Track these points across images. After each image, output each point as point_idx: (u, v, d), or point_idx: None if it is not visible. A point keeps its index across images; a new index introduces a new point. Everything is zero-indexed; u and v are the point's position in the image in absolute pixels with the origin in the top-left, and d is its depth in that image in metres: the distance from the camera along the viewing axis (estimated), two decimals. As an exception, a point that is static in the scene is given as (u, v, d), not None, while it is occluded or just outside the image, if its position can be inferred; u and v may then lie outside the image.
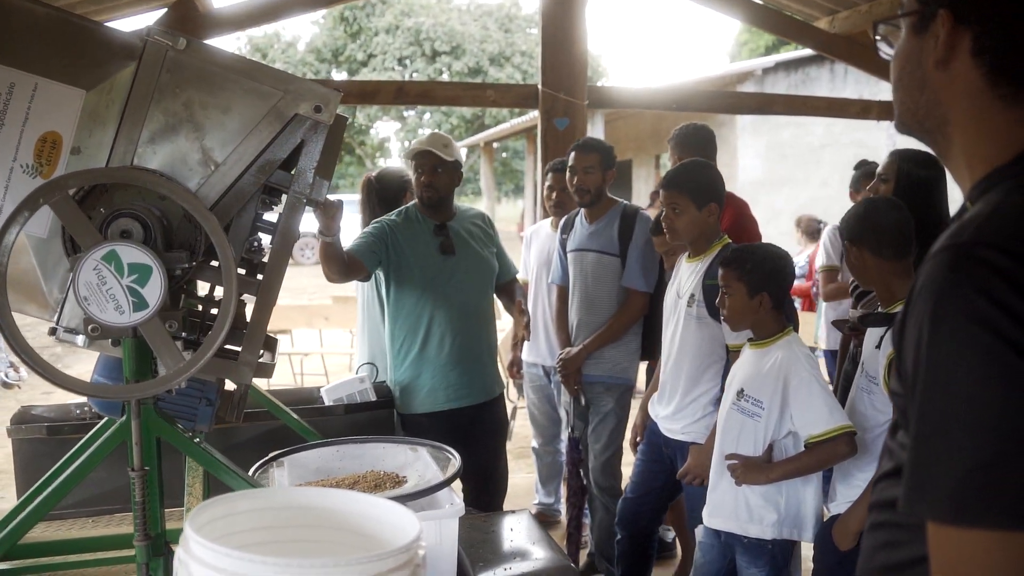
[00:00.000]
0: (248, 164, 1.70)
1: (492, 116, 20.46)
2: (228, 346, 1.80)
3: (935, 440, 0.75)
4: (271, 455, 2.04)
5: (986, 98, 0.87)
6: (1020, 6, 0.84)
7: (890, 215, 2.20)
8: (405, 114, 25.78)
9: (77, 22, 1.73)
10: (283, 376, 7.45)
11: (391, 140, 27.63)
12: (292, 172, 1.78)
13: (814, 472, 2.22)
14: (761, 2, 5.35)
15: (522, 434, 5.03)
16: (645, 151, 14.30)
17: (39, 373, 1.47)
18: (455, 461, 2.09)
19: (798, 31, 4.95)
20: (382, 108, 23.45)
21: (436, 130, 26.39)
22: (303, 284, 14.36)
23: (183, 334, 1.77)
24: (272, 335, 2.03)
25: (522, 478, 4.66)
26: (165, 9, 4.21)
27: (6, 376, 4.09)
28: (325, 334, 8.22)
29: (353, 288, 3.87)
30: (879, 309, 2.28)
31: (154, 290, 1.51)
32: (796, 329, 2.41)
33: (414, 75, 23.45)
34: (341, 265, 2.88)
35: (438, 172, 3.00)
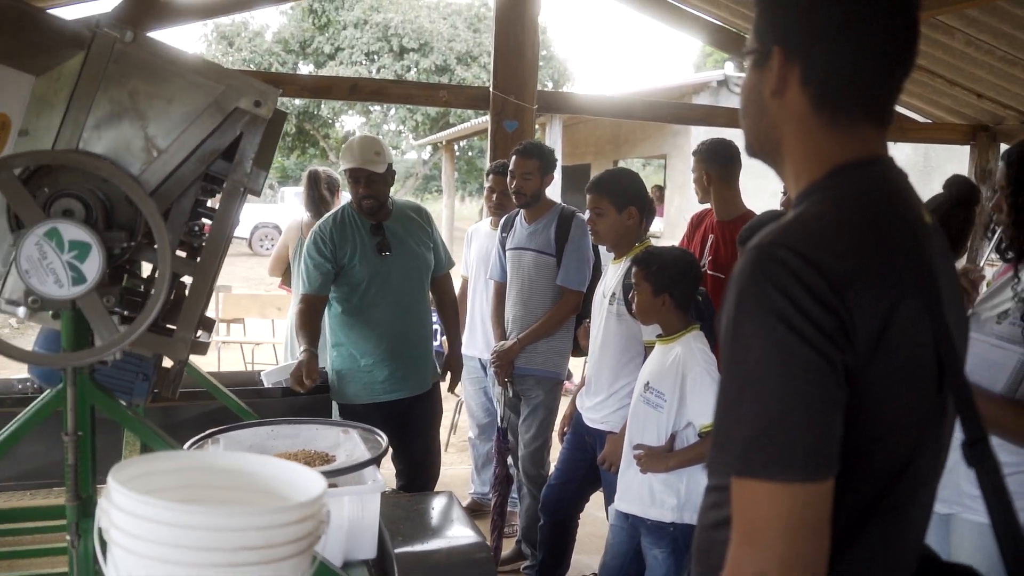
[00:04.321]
0: (189, 152, 1.81)
1: (457, 114, 20.56)
2: (163, 325, 1.91)
3: (731, 409, 0.91)
4: (206, 432, 2.14)
5: (811, 122, 1.02)
6: (837, 44, 0.99)
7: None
8: (371, 108, 25.72)
9: (28, 11, 1.82)
10: (235, 364, 7.48)
11: (355, 134, 27.54)
12: (232, 161, 1.89)
13: None
14: (720, 24, 5.55)
15: (465, 428, 5.16)
16: (604, 155, 14.52)
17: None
18: (383, 442, 2.22)
19: (727, 44, 5.15)
20: (347, 103, 23.39)
21: (398, 127, 26.32)
22: (260, 274, 14.28)
23: (124, 311, 1.87)
24: (209, 316, 2.14)
25: (462, 469, 4.79)
26: (124, -4, 4.25)
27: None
28: (278, 324, 8.26)
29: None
30: None
31: (92, 266, 1.61)
32: (709, 324, 2.56)
33: (381, 70, 23.41)
34: (319, 319, 3.19)
35: (373, 183, 3.09)
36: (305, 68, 24.92)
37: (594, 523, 3.58)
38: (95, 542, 1.19)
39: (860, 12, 0.97)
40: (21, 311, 1.75)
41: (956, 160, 6.77)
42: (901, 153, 12.09)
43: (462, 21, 24.83)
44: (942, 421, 0.98)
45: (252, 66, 23.75)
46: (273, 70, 23.57)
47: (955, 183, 2.62)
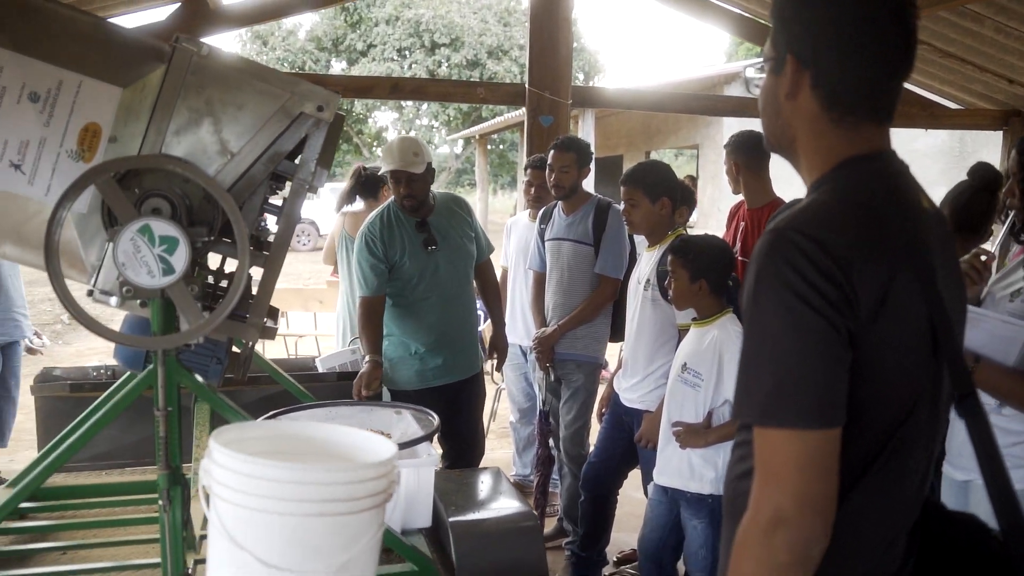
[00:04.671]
0: (259, 154, 1.99)
1: (489, 109, 20.71)
2: (237, 312, 2.10)
3: (751, 368, 1.06)
4: (271, 413, 2.33)
5: (821, 121, 1.17)
6: (842, 53, 1.13)
7: None
8: (403, 104, 25.98)
9: (117, 29, 2.02)
10: (278, 356, 7.74)
11: (388, 130, 27.85)
12: (296, 162, 2.07)
13: None
14: (747, 15, 5.63)
15: (504, 415, 5.34)
16: (636, 146, 14.59)
17: (86, 326, 1.77)
18: (435, 421, 2.40)
19: (762, 38, 5.22)
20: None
21: (430, 122, 26.47)
22: (299, 269, 14.60)
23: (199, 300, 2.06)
24: (274, 306, 2.33)
25: (502, 453, 4.97)
26: (178, 4, 4.47)
27: (30, 342, 4.37)
28: (319, 317, 8.50)
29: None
30: None
31: (180, 258, 1.80)
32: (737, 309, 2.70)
33: (413, 66, 23.64)
34: (381, 320, 3.33)
35: (413, 183, 3.24)
36: (338, 65, 25.23)
37: (632, 503, 3.73)
38: (201, 495, 1.37)
39: (862, 26, 1.11)
40: (113, 300, 1.94)
41: (992, 145, 6.77)
42: (937, 140, 11.98)
43: (492, 15, 24.97)
44: (938, 381, 1.11)
45: (286, 64, 24.12)
46: (306, 68, 23.92)
47: (978, 170, 2.73)
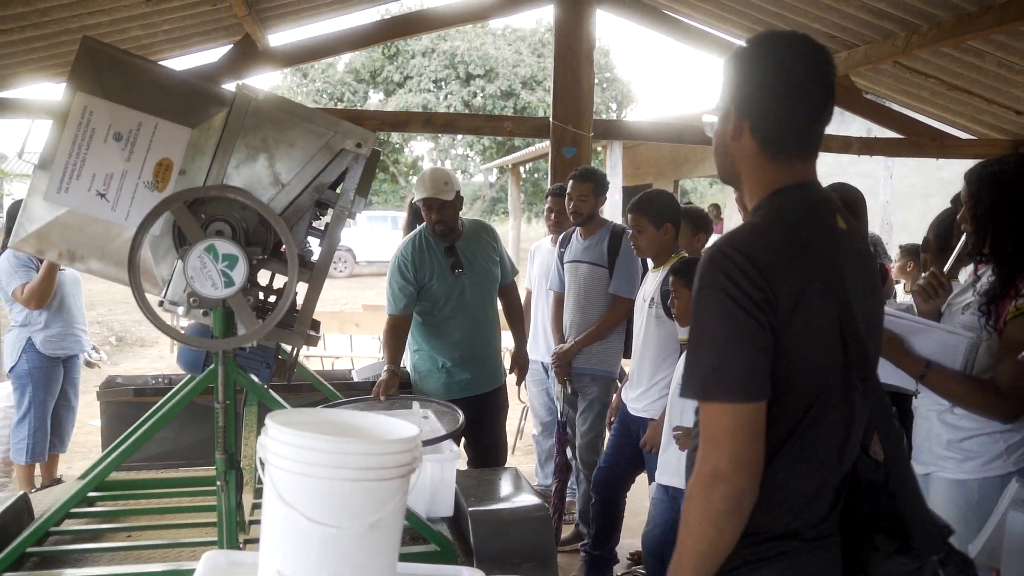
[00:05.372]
0: (306, 185, 2.31)
1: (522, 138, 21.15)
2: (284, 322, 2.41)
3: (693, 355, 1.33)
4: (315, 407, 2.64)
5: (759, 159, 1.45)
6: (773, 106, 1.41)
7: None
8: (439, 135, 26.59)
9: (187, 79, 2.37)
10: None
11: (424, 159, 28.45)
12: (338, 191, 2.39)
13: None
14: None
15: (530, 432, 5.60)
16: (665, 175, 14.86)
17: (162, 329, 2.10)
18: (459, 417, 2.70)
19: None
20: (416, 128, 24.29)
21: (465, 151, 26.92)
22: (335, 295, 15.02)
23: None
24: (316, 319, 2.65)
25: (527, 467, 5.23)
26: (230, 46, 4.88)
27: (89, 356, 4.75)
28: (355, 339, 8.84)
29: (382, 296, 4.55)
30: None
31: (240, 273, 2.12)
32: None
33: (448, 96, 24.20)
34: (405, 338, 3.63)
35: (444, 210, 3.54)
36: (375, 96, 25.88)
37: (641, 512, 3.96)
38: (258, 463, 1.67)
39: (788, 85, 1.39)
40: (181, 309, 2.27)
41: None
42: (952, 171, 12.11)
43: (526, 47, 25.50)
44: (847, 368, 1.37)
45: (325, 96, 24.83)
46: (345, 99, 24.60)
47: (959, 199, 2.98)
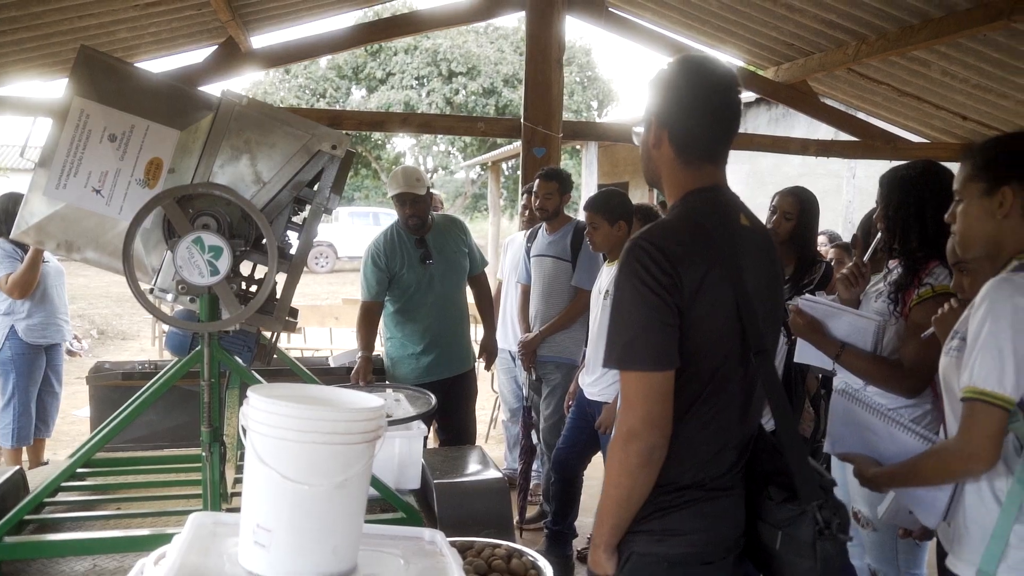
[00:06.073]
0: (285, 183, 2.52)
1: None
2: (265, 309, 2.62)
3: (613, 330, 1.57)
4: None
5: (675, 164, 1.69)
6: (687, 118, 1.65)
7: None
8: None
9: (176, 85, 2.57)
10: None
11: (406, 155, 28.59)
12: (315, 189, 2.60)
13: None
14: (716, 54, 6.18)
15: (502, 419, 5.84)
16: (641, 173, 15.11)
17: (153, 314, 2.31)
18: (431, 400, 2.92)
19: (748, 80, 5.79)
20: (398, 124, 24.41)
21: (447, 148, 27.00)
22: (316, 291, 15.15)
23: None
24: (294, 307, 2.86)
25: (497, 453, 5.46)
26: (215, 48, 5.07)
27: (71, 345, 4.94)
28: (335, 332, 9.04)
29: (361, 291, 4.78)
30: None
31: (224, 263, 2.33)
32: None
33: (431, 94, 24.35)
34: (377, 322, 3.89)
35: (417, 204, 3.81)
36: (358, 93, 25.97)
37: (599, 490, 4.20)
38: (240, 430, 1.89)
39: (698, 100, 1.64)
40: (169, 296, 2.48)
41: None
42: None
43: (508, 45, 25.69)
44: (744, 342, 1.61)
45: (307, 92, 24.91)
46: (327, 95, 24.70)
47: None
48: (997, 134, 1.81)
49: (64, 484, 2.73)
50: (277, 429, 1.86)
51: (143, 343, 10.38)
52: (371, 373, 3.63)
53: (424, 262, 3.82)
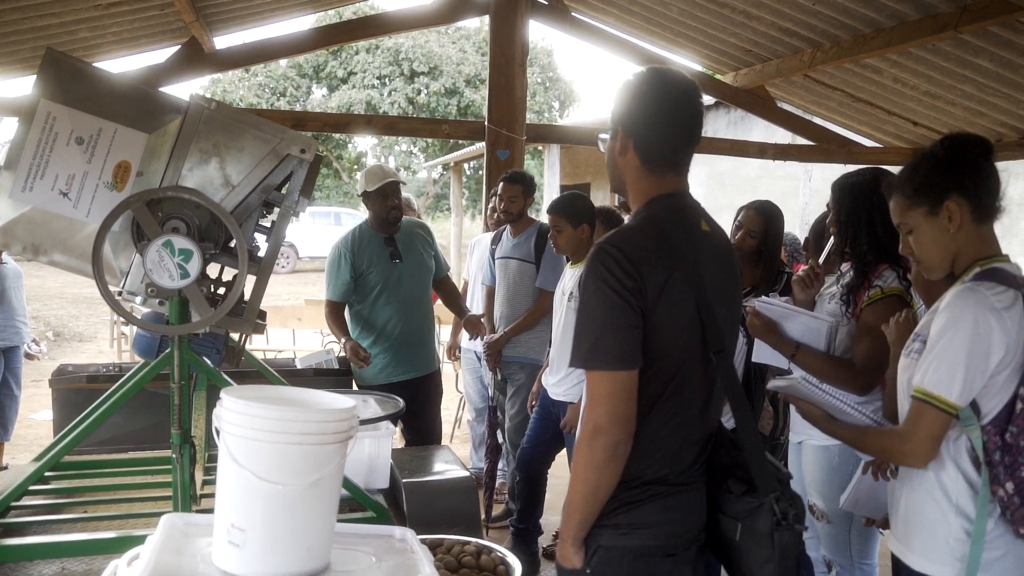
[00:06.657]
0: (255, 186, 2.54)
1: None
2: (234, 311, 2.64)
3: (580, 330, 1.63)
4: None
5: (640, 172, 1.75)
6: (651, 128, 1.72)
7: None
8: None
9: (144, 88, 2.58)
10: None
11: (368, 155, 28.47)
12: (283, 192, 2.62)
13: None
14: (677, 59, 6.29)
15: (467, 419, 5.88)
16: (602, 174, 15.27)
17: (123, 316, 2.32)
18: (399, 403, 2.96)
19: (708, 84, 5.91)
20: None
21: (409, 148, 26.97)
22: (278, 291, 15.03)
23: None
24: (263, 309, 2.88)
25: (463, 452, 5.51)
26: (177, 47, 5.04)
27: (29, 348, 4.89)
28: (298, 333, 9.00)
29: (323, 292, 4.79)
30: None
31: (194, 266, 2.35)
32: None
33: (392, 93, 24.26)
34: (343, 317, 3.92)
35: (399, 195, 3.87)
36: (319, 92, 25.78)
37: (563, 489, 4.28)
38: (214, 431, 1.92)
39: (663, 111, 1.71)
40: (138, 299, 2.49)
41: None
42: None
43: (471, 45, 25.69)
44: (704, 343, 1.69)
45: (267, 91, 24.67)
46: (287, 94, 24.48)
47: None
48: (909, 160, 1.91)
49: (30, 488, 2.72)
50: (251, 430, 1.89)
51: (101, 344, 10.22)
52: (363, 349, 3.70)
53: (393, 260, 3.86)
